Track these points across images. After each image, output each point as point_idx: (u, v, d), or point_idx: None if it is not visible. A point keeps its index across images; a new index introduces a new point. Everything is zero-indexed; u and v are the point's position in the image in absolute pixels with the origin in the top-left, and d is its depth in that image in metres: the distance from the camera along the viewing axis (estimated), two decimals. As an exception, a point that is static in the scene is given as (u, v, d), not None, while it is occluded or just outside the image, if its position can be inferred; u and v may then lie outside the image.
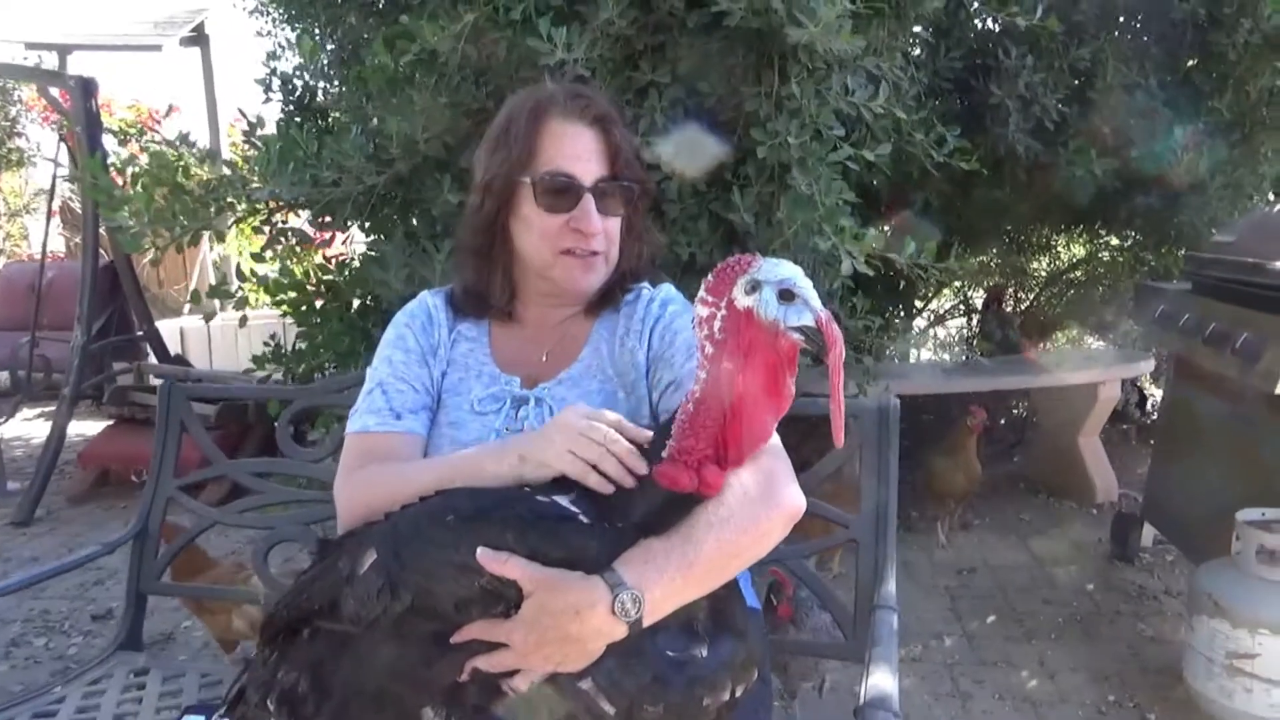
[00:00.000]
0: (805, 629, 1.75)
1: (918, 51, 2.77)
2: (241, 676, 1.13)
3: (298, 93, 3.25)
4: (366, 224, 2.55)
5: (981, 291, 4.73)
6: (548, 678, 0.91)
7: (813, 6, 1.89)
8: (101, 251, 4.36)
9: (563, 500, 0.95)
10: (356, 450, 1.19)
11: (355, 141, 2.26)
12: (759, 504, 0.97)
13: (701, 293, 0.93)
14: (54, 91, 4.35)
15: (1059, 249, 4.66)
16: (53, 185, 4.78)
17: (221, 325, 6.22)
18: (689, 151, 2.18)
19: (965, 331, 4.80)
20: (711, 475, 0.92)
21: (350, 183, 2.29)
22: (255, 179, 2.29)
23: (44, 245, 4.82)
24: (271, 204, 2.41)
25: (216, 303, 7.09)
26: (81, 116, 4.12)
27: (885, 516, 1.43)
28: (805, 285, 0.89)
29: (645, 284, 1.28)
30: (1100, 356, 3.79)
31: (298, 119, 2.85)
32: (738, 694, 0.98)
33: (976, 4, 2.79)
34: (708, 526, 0.93)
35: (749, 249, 2.21)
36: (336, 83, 2.32)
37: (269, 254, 2.54)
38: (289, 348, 3.09)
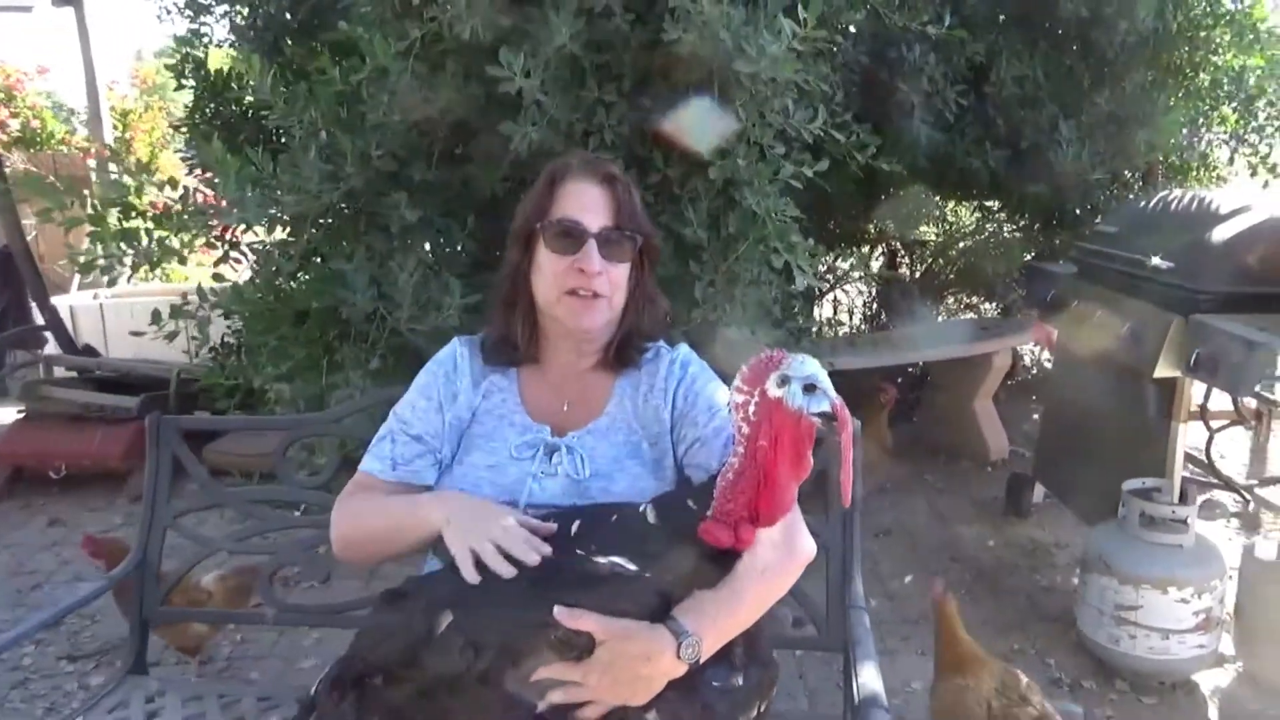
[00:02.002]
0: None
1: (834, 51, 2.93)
2: (310, 712, 1.24)
3: (211, 80, 3.23)
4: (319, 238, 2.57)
5: (879, 258, 5.03)
6: (618, 710, 1.08)
7: (761, 44, 2.03)
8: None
9: (620, 560, 1.11)
10: (355, 484, 1.38)
11: (313, 164, 2.29)
12: (785, 556, 1.17)
13: (737, 382, 1.09)
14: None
15: (950, 218, 5.01)
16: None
17: (115, 304, 6.00)
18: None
19: (866, 298, 5.10)
20: (746, 533, 1.10)
21: (309, 201, 2.32)
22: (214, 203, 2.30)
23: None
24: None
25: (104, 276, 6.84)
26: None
27: (850, 524, 1.65)
28: (825, 380, 1.07)
29: (662, 343, 1.43)
30: (995, 326, 4.12)
31: (241, 136, 2.84)
32: (763, 709, 1.18)
33: (890, 13, 2.96)
34: (747, 578, 1.12)
35: (700, 260, 2.39)
36: (283, 101, 2.31)
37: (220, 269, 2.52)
38: (235, 349, 3.09)
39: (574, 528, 1.20)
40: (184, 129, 3.38)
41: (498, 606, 1.11)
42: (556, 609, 1.06)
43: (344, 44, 2.33)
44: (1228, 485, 2.86)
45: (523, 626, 1.08)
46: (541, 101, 2.26)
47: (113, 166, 2.54)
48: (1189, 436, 2.86)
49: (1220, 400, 3.04)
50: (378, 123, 2.34)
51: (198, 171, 3.18)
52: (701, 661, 1.08)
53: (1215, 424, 2.60)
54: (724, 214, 2.38)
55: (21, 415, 4.14)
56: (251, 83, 2.35)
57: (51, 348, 4.60)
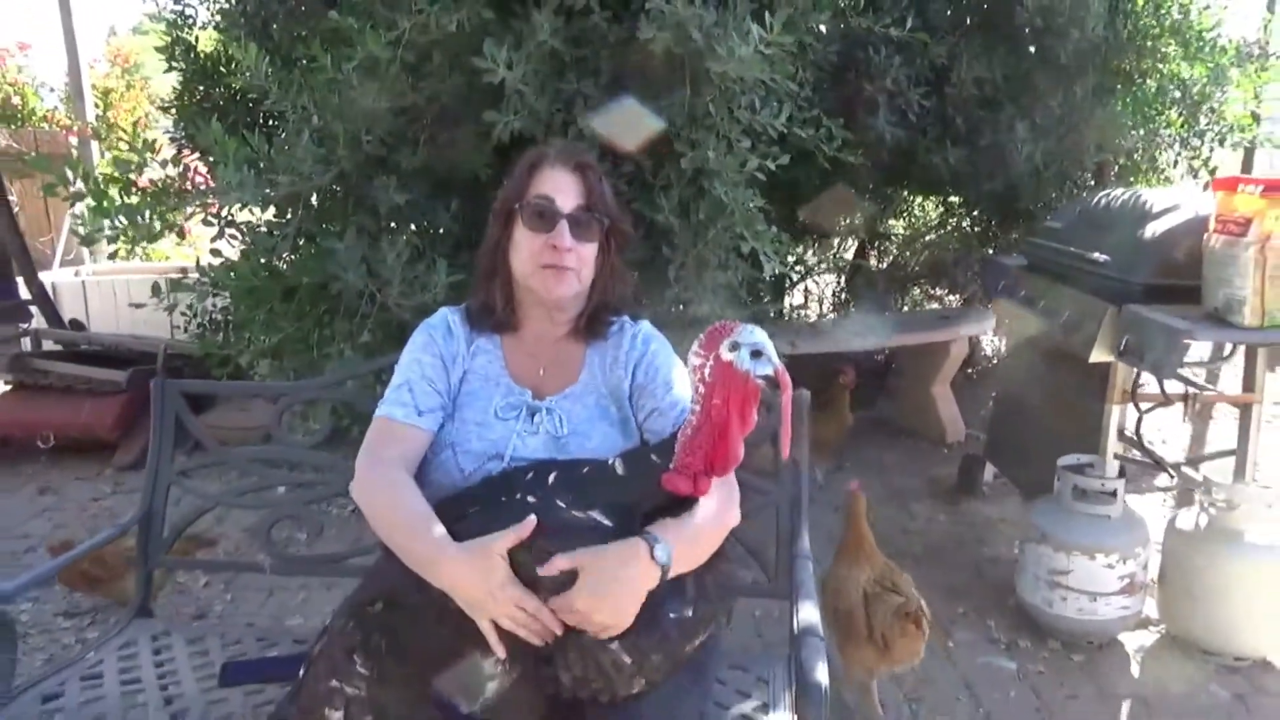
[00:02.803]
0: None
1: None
2: (320, 640, 1.40)
3: (201, 63, 3.35)
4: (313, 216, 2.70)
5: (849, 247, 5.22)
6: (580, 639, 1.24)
7: (731, 46, 2.19)
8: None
9: (595, 515, 1.27)
10: (382, 432, 1.48)
11: (306, 147, 2.42)
12: (727, 510, 1.38)
13: (695, 347, 1.26)
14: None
15: (914, 211, 5.20)
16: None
17: (97, 281, 6.07)
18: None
19: (836, 288, 5.29)
20: (703, 484, 1.27)
21: (301, 182, 2.46)
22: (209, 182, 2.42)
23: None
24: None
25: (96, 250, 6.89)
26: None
27: (798, 484, 1.82)
28: (769, 347, 1.23)
29: (626, 318, 1.59)
30: (954, 315, 4.32)
31: (232, 118, 2.96)
32: (704, 639, 1.35)
33: (855, 16, 3.11)
34: (703, 519, 1.30)
35: (672, 245, 2.55)
36: (277, 85, 2.44)
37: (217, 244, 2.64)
38: (223, 324, 3.21)
39: (551, 478, 1.36)
40: (172, 110, 3.51)
41: None
42: (539, 567, 1.22)
43: (334, 32, 2.46)
44: (1158, 464, 3.06)
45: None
46: (523, 92, 2.40)
47: (121, 144, 2.62)
48: (1128, 423, 3.08)
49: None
50: (368, 109, 2.48)
51: (185, 151, 3.31)
52: (670, 570, 1.24)
53: (1144, 405, 2.79)
54: (694, 202, 2.54)
55: (9, 387, 4.25)
56: (246, 68, 2.47)
57: (37, 322, 4.67)
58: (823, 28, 3.05)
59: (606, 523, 1.26)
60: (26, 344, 4.63)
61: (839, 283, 5.26)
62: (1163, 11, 3.48)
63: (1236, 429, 2.76)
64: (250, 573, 3.01)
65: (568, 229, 1.48)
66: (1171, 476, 3.13)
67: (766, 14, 2.25)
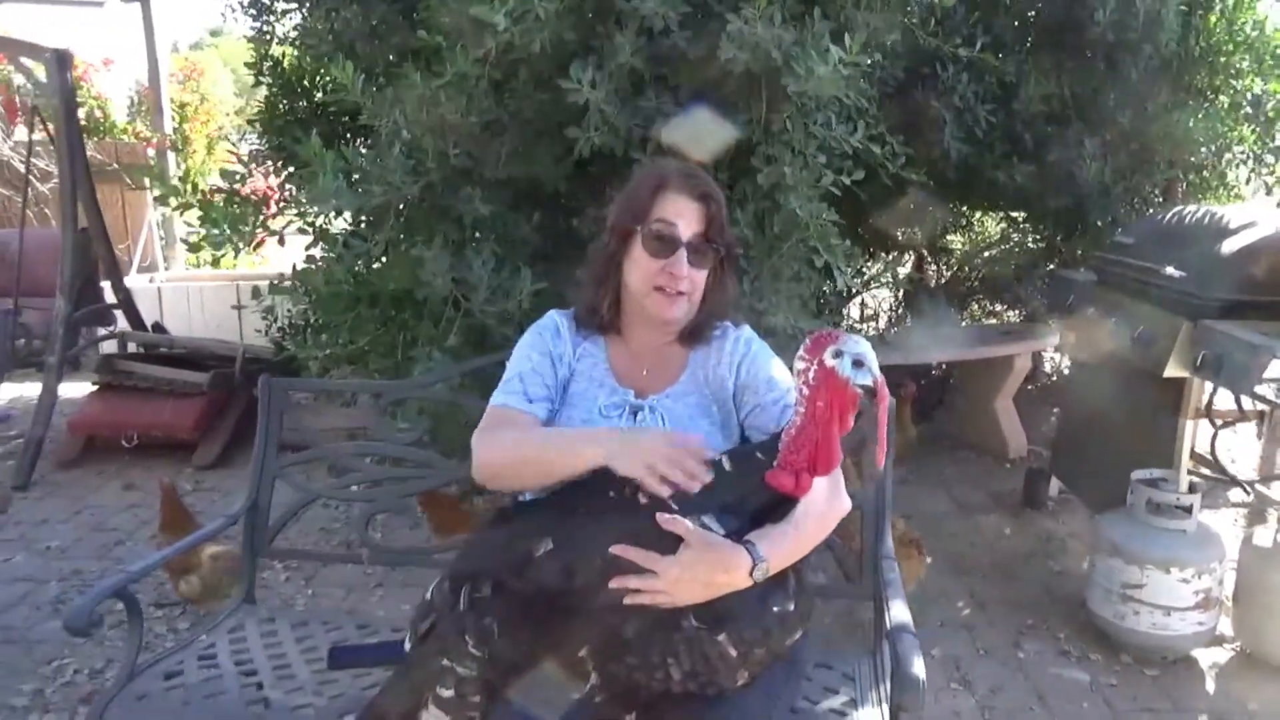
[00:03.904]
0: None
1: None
2: (428, 616, 1.47)
3: (285, 78, 3.48)
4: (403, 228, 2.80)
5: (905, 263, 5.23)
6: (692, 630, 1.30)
7: (810, 65, 2.25)
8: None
9: (707, 520, 1.32)
10: (495, 417, 1.56)
11: (397, 159, 2.52)
12: (832, 504, 1.42)
13: (800, 352, 1.32)
14: (26, 61, 4.39)
15: (976, 227, 5.20)
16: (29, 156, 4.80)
17: (172, 288, 6.31)
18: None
19: (893, 302, 5.30)
20: (805, 481, 1.32)
21: (393, 192, 2.56)
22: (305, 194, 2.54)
23: (23, 215, 4.83)
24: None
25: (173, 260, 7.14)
26: (58, 89, 4.20)
27: (884, 488, 1.86)
28: (871, 357, 1.29)
29: (729, 323, 1.66)
30: (1017, 330, 4.31)
31: (316, 131, 3.08)
32: (800, 633, 1.40)
33: (925, 35, 3.15)
34: (805, 518, 1.35)
35: (748, 256, 2.61)
36: (370, 101, 2.56)
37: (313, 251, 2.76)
38: (302, 329, 3.34)
39: None
40: (256, 124, 3.65)
41: (592, 541, 1.33)
42: (659, 516, 1.28)
43: (421, 50, 2.56)
44: (1232, 480, 3.04)
45: (613, 563, 1.30)
46: (604, 111, 2.49)
47: (232, 161, 2.75)
48: (1198, 440, 3.07)
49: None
50: (455, 123, 2.58)
51: (270, 164, 3.46)
52: (763, 580, 1.30)
53: (1219, 421, 2.78)
54: (769, 215, 2.60)
55: (96, 388, 4.43)
56: (341, 84, 2.58)
57: (122, 325, 4.87)
58: (891, 44, 3.12)
59: (717, 529, 1.31)
60: (113, 346, 4.82)
61: (896, 296, 5.27)
62: (1236, 27, 3.46)
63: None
64: (332, 568, 3.16)
65: (686, 257, 1.54)
66: (1247, 493, 3.11)
67: (846, 35, 2.30)
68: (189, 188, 2.50)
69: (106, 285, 4.80)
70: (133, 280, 6.21)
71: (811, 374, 1.31)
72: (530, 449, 1.47)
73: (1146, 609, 2.51)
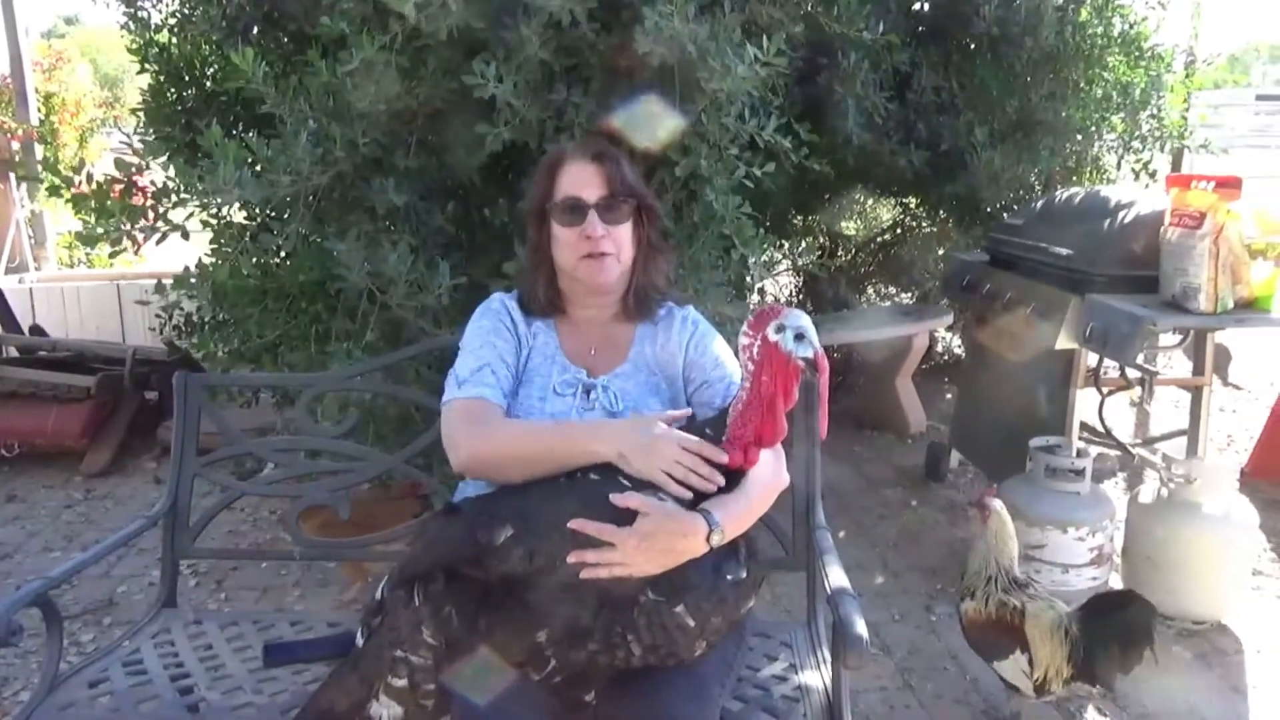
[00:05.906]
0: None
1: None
2: (378, 612, 1.46)
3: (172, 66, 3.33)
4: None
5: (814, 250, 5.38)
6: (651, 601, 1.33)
7: (727, 63, 2.30)
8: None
9: (661, 495, 1.35)
10: (478, 410, 1.53)
11: (305, 148, 2.46)
12: (776, 476, 1.49)
13: (744, 327, 1.36)
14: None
15: (870, 214, 5.39)
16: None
17: (45, 288, 5.94)
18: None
19: (793, 288, 5.44)
20: (753, 454, 1.37)
21: (300, 182, 2.49)
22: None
23: None
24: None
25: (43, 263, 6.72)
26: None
27: (812, 462, 1.93)
28: (811, 331, 1.34)
29: (672, 304, 1.70)
30: (916, 311, 4.49)
31: (206, 120, 2.97)
32: (753, 600, 1.45)
33: (829, 22, 3.23)
34: (754, 488, 1.40)
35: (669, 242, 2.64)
36: (274, 89, 2.48)
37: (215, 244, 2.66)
38: (200, 325, 3.22)
39: None
40: (140, 114, 3.47)
41: (552, 524, 1.34)
42: (612, 495, 1.30)
43: (320, 37, 2.50)
44: (1117, 444, 3.26)
45: (571, 539, 1.31)
46: (513, 104, 2.48)
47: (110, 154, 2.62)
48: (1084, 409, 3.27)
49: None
50: (363, 111, 2.53)
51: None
52: (719, 546, 1.34)
53: (1105, 389, 2.98)
54: (687, 205, 2.64)
55: (-30, 397, 4.15)
56: (241, 73, 2.49)
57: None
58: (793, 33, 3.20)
59: (668, 501, 1.34)
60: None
61: (797, 283, 5.41)
62: (1108, 21, 3.69)
63: (1188, 411, 2.96)
64: (244, 571, 3.07)
65: (597, 218, 1.57)
66: (1131, 456, 3.33)
67: (764, 35, 2.36)
68: (83, 178, 2.37)
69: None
70: (1, 281, 5.84)
71: (755, 349, 1.35)
72: (531, 445, 1.46)
73: (1047, 567, 2.67)
